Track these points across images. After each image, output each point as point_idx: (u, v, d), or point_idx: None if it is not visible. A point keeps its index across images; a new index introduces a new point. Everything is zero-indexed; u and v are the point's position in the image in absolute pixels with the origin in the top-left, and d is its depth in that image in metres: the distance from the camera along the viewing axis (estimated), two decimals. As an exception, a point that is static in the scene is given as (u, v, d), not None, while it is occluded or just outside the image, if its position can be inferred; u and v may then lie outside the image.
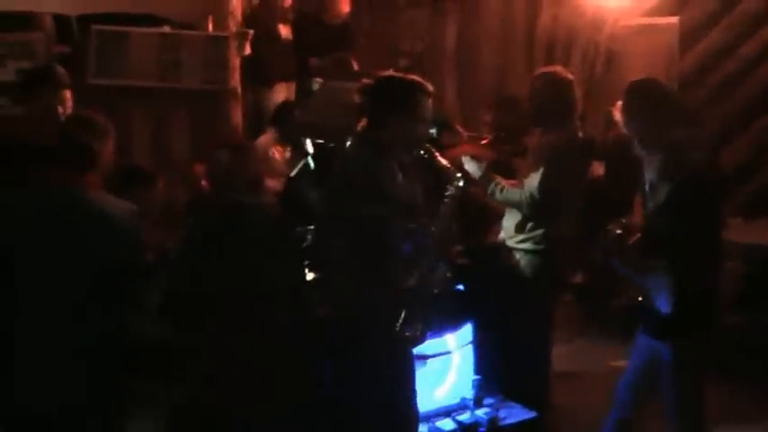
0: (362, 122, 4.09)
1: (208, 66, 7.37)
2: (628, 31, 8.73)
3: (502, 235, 5.55)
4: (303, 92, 8.40)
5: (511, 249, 5.43)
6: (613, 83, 8.64)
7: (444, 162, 4.16)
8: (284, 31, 8.92)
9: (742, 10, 7.96)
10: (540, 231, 5.36)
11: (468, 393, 5.28)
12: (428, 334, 4.10)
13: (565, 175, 5.30)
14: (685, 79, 8.25)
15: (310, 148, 5.07)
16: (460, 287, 4.79)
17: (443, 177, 4.18)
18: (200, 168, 5.18)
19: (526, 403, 5.33)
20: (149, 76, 7.29)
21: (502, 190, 5.32)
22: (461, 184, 4.21)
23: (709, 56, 8.12)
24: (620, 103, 4.37)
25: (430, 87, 4.07)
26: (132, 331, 3.66)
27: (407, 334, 4.00)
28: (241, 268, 3.87)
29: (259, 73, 8.31)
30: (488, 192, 5.37)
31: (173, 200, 7.41)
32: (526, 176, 5.31)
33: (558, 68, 5.54)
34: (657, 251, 4.22)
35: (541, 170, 5.21)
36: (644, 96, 4.29)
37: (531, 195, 5.23)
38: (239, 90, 7.52)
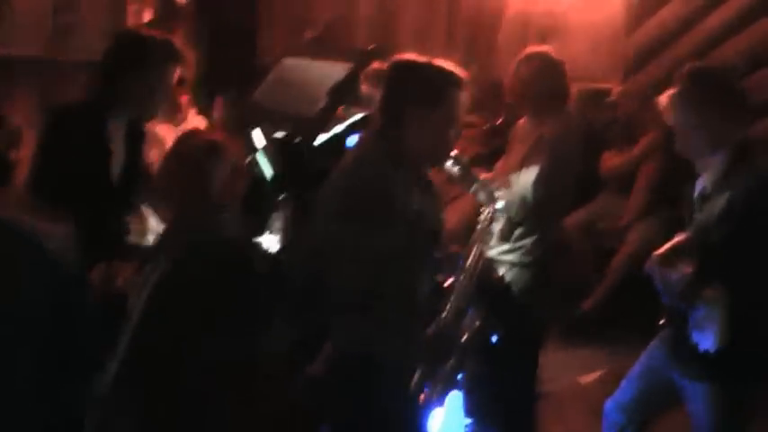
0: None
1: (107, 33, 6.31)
2: (565, 6, 8.00)
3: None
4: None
5: (493, 262, 4.60)
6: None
7: (483, 176, 3.34)
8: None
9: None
10: (529, 240, 4.55)
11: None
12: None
13: (566, 172, 4.54)
14: (634, 58, 7.60)
15: (259, 142, 4.02)
16: (494, 338, 3.91)
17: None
18: None
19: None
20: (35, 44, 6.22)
21: (489, 189, 4.47)
22: (499, 205, 3.43)
23: (665, 32, 7.41)
24: (669, 92, 3.59)
25: (463, 76, 3.21)
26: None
27: (424, 392, 3.19)
28: None
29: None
30: (471, 191, 4.50)
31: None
32: (516, 171, 4.49)
33: (550, 49, 4.75)
34: (711, 275, 3.47)
35: (539, 165, 4.41)
36: (710, 86, 3.53)
37: (524, 196, 4.42)
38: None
